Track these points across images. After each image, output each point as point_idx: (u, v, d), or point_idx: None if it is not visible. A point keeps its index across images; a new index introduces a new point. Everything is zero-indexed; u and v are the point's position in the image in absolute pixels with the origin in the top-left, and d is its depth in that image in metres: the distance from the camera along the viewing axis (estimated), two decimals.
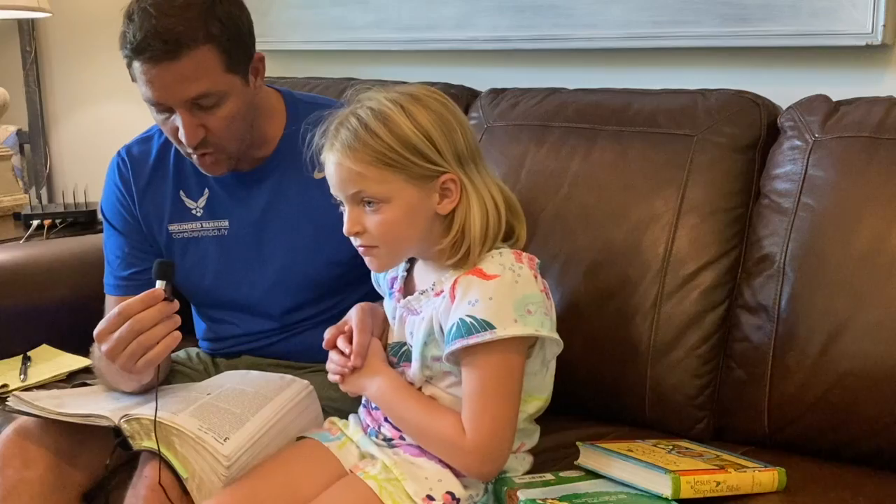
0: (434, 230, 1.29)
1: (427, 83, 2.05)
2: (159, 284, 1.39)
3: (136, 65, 1.44)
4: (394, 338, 1.38)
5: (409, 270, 1.40)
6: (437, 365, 1.30)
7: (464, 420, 1.26)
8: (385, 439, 1.36)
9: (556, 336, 1.28)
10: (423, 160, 1.24)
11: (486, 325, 1.21)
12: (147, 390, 1.46)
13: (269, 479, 1.34)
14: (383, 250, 1.29)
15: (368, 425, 1.40)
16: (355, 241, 1.30)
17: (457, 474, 1.30)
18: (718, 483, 1.33)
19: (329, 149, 1.28)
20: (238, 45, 1.47)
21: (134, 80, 1.47)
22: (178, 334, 1.38)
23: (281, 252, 1.62)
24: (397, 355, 1.36)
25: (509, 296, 1.23)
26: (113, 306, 1.55)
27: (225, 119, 1.48)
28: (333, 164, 1.27)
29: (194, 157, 1.53)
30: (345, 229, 1.29)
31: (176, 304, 1.39)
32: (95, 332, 1.39)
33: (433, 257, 1.32)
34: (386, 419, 1.36)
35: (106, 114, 2.85)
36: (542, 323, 1.24)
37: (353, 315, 1.40)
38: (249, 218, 1.63)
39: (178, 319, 1.39)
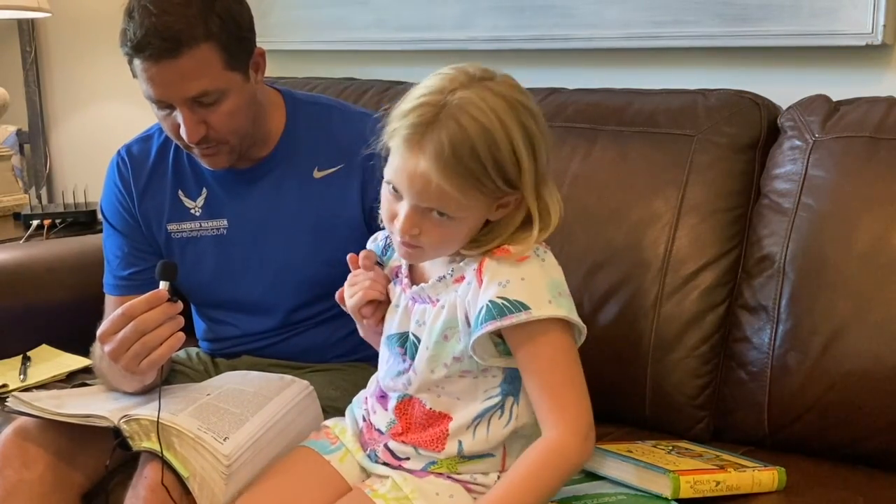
0: (475, 234, 1.23)
1: None
2: (163, 285, 1.39)
3: (137, 62, 1.44)
4: (395, 328, 1.31)
5: None
6: (457, 366, 1.23)
7: (544, 413, 1.20)
8: (384, 464, 1.31)
9: (582, 323, 1.21)
10: (508, 185, 1.16)
11: (521, 306, 1.15)
12: (148, 390, 1.46)
13: (269, 497, 1.32)
14: (429, 251, 1.22)
15: (367, 444, 1.34)
16: (401, 235, 1.19)
17: (468, 489, 1.26)
18: (718, 483, 1.33)
19: (413, 146, 1.15)
20: (238, 42, 1.48)
21: (135, 76, 1.47)
22: (181, 335, 1.38)
23: (280, 252, 1.62)
24: (403, 346, 1.29)
25: (542, 277, 1.19)
26: (113, 306, 1.55)
27: (226, 115, 1.48)
28: (417, 170, 1.15)
29: (195, 150, 1.53)
30: (400, 227, 1.18)
31: (180, 305, 1.39)
32: (99, 332, 1.39)
33: None
34: (386, 445, 1.30)
35: (106, 114, 2.85)
36: (571, 308, 1.19)
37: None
38: (248, 217, 1.63)
39: (181, 320, 1.38)
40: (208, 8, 1.43)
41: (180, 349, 1.68)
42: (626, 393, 1.68)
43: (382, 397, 1.33)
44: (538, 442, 1.20)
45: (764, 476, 1.38)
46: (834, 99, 1.69)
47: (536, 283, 1.18)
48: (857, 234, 1.53)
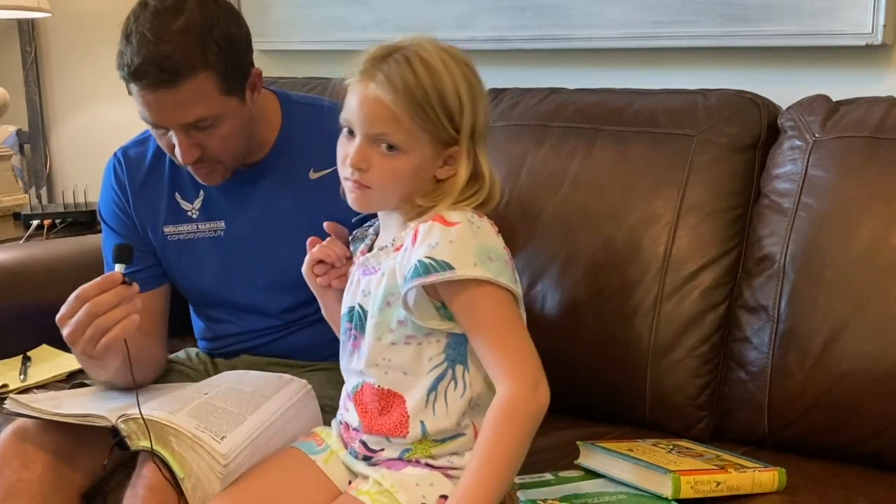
0: (423, 189, 1.27)
1: None
2: (117, 268, 1.38)
3: (133, 87, 1.43)
4: (347, 303, 1.35)
5: (374, 239, 1.38)
6: (402, 329, 1.26)
7: (493, 370, 1.23)
8: (364, 458, 1.33)
9: (515, 287, 1.24)
10: (451, 124, 1.23)
11: (446, 266, 1.20)
12: (128, 388, 1.46)
13: (253, 496, 1.32)
14: (376, 193, 1.27)
15: (347, 442, 1.37)
16: (350, 173, 1.26)
17: (447, 475, 1.27)
18: (718, 483, 1.33)
19: (366, 77, 1.24)
20: (235, 67, 1.47)
21: (131, 94, 1.47)
22: (136, 317, 1.37)
23: (277, 252, 1.62)
24: (351, 321, 1.33)
25: (470, 241, 1.22)
26: None
27: (221, 138, 1.48)
28: (368, 95, 1.23)
29: (189, 167, 1.54)
30: (350, 160, 1.25)
31: (135, 288, 1.38)
32: (57, 317, 1.39)
33: (402, 209, 1.30)
34: (360, 440, 1.33)
35: (106, 114, 2.85)
36: (500, 272, 1.22)
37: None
38: (245, 219, 1.63)
39: (137, 303, 1.38)
40: (206, 35, 1.42)
41: (178, 349, 1.69)
42: (626, 393, 1.68)
43: (349, 396, 1.36)
44: (492, 405, 1.23)
45: (764, 476, 1.38)
46: (834, 99, 1.69)
47: (464, 246, 1.21)
48: (857, 234, 1.53)
